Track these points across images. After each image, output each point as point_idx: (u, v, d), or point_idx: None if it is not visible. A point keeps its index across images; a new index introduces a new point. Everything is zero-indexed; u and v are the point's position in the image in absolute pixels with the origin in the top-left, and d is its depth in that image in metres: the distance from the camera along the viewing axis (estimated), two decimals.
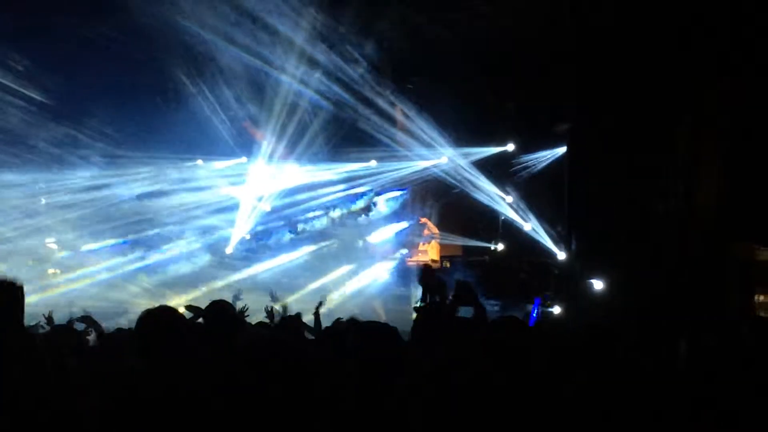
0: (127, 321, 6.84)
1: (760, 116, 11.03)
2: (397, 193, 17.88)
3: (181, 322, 4.02)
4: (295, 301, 11.54)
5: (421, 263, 14.47)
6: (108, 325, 6.45)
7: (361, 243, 17.42)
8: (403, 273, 16.60)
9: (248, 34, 13.90)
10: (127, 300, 14.23)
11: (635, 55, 11.72)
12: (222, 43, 14.15)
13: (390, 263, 17.08)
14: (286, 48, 14.23)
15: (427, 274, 6.58)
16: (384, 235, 17.56)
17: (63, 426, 3.76)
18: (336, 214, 17.99)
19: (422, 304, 8.03)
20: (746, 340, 4.53)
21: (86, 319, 6.31)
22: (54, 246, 16.42)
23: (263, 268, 16.54)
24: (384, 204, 17.88)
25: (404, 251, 17.31)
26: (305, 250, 17.35)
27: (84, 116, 15.09)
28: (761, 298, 11.38)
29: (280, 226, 17.84)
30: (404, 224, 17.72)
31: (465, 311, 6.97)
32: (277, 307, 7.25)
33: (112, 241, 16.59)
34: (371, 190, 17.86)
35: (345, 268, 16.68)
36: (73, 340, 5.75)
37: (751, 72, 10.95)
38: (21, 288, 4.13)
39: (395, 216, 17.87)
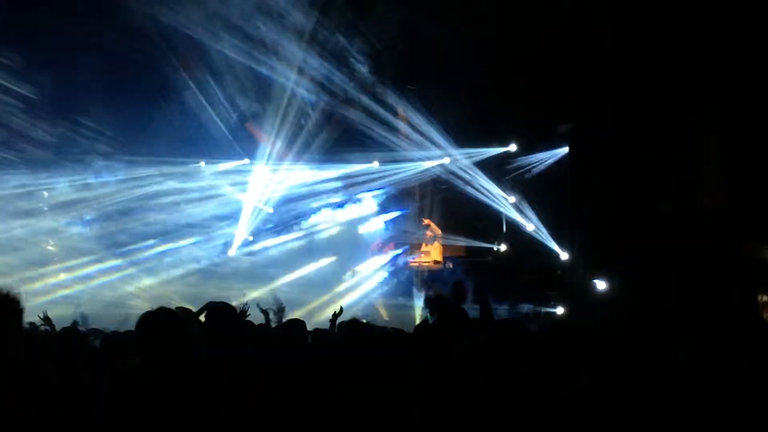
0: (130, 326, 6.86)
1: (764, 116, 11.03)
2: (395, 214, 17.79)
3: (180, 324, 4.04)
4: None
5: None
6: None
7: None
8: (403, 274, 16.66)
9: (250, 36, 13.91)
10: (126, 301, 14.27)
11: (639, 55, 11.72)
12: (224, 45, 14.16)
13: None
14: (288, 49, 14.24)
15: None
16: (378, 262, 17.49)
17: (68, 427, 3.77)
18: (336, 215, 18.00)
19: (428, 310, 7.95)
20: (747, 341, 4.52)
21: (95, 331, 6.35)
22: (54, 248, 16.43)
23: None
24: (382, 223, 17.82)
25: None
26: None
27: (83, 117, 15.11)
28: (764, 298, 11.35)
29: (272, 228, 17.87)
30: (398, 250, 17.68)
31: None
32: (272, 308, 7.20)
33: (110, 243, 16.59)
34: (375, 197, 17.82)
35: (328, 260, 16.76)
36: (79, 342, 5.78)
37: (756, 72, 10.95)
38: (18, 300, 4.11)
39: (393, 238, 17.79)
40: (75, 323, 6.76)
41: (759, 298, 11.25)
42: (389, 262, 17.21)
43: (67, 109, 14.88)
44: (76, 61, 13.57)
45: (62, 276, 15.70)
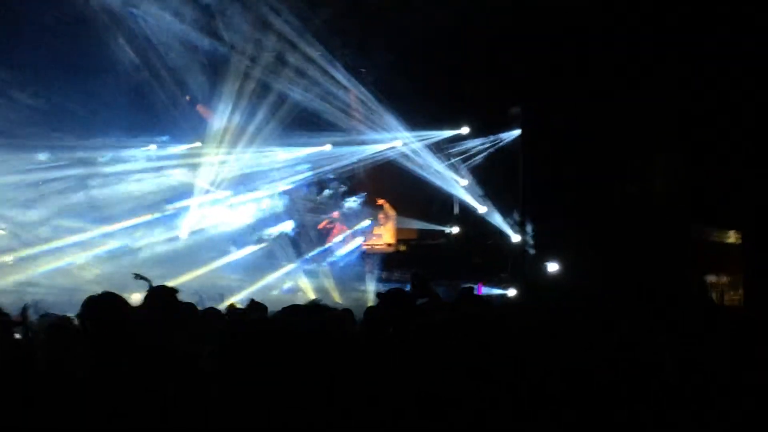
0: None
1: (719, 102, 11.17)
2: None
3: (125, 309, 4.02)
4: None
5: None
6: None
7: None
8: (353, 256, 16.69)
9: (199, 14, 13.75)
10: (79, 287, 14.00)
11: (593, 38, 11.79)
12: (173, 26, 13.98)
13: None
14: (238, 29, 14.11)
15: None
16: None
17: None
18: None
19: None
20: (695, 325, 4.56)
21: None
22: (3, 232, 16.05)
23: None
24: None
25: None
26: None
27: (27, 98, 14.73)
28: (712, 278, 11.56)
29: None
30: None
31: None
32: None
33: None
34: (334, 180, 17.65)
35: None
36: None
37: (710, 59, 11.07)
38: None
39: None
40: (25, 308, 6.54)
41: (708, 279, 11.46)
42: (340, 243, 17.21)
43: (11, 87, 14.50)
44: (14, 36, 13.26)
45: (9, 259, 15.33)
